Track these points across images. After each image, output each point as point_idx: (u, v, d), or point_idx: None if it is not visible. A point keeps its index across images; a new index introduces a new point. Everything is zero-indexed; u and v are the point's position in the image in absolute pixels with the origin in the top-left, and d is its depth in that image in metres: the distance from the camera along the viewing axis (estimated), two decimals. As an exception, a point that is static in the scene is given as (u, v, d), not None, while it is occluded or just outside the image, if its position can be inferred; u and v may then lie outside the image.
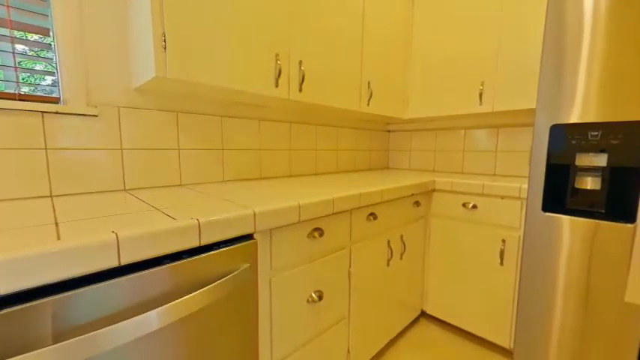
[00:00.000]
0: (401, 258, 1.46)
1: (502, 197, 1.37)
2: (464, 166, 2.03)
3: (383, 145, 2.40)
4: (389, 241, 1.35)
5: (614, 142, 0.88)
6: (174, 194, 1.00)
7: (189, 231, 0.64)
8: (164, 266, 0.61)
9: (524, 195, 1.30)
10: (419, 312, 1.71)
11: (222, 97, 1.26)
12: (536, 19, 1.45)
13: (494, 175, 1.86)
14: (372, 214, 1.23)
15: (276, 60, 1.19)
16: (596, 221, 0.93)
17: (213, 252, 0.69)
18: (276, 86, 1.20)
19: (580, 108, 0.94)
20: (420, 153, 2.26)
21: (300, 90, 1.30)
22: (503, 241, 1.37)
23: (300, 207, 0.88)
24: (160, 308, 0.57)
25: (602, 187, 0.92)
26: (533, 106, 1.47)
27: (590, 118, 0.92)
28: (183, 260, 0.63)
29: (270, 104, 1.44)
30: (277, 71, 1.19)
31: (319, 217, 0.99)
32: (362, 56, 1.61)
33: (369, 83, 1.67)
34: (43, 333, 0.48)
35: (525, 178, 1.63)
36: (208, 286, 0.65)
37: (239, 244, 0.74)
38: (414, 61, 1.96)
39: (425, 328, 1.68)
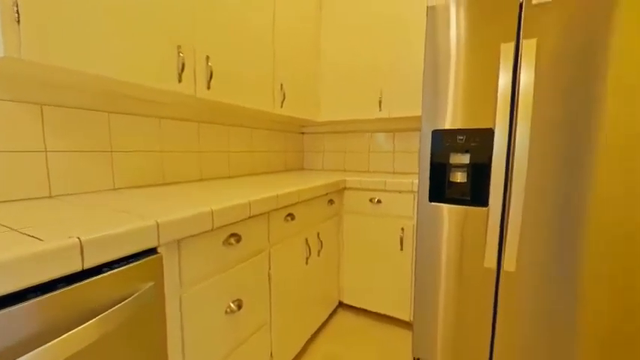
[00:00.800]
0: (318, 255, 1.52)
1: (400, 192, 1.59)
2: (369, 166, 2.27)
3: (297, 146, 2.45)
4: (307, 240, 1.40)
5: (474, 144, 1.14)
6: (40, 208, 0.79)
7: (66, 253, 0.51)
8: (28, 302, 0.47)
9: (415, 189, 1.54)
10: (337, 303, 1.82)
11: (106, 88, 1.06)
12: (421, 39, 1.73)
13: (394, 172, 2.14)
14: (290, 214, 1.24)
15: (179, 53, 1.07)
16: (465, 207, 1.18)
17: (104, 274, 0.57)
18: (180, 81, 1.09)
19: (451, 117, 1.17)
20: (332, 154, 2.41)
21: (209, 87, 1.21)
22: (402, 229, 1.60)
23: (213, 213, 0.82)
24: (29, 354, 0.44)
25: (467, 180, 1.17)
26: (420, 113, 1.75)
27: (458, 125, 1.16)
28: (59, 291, 0.51)
29: (173, 101, 1.29)
30: (180, 65, 1.08)
31: (235, 222, 0.94)
32: (274, 58, 1.61)
33: (282, 85, 1.69)
34: None
35: (417, 175, 1.93)
36: (99, 317, 0.53)
37: (139, 261, 0.64)
38: (323, 67, 2.07)
39: (342, 318, 1.80)
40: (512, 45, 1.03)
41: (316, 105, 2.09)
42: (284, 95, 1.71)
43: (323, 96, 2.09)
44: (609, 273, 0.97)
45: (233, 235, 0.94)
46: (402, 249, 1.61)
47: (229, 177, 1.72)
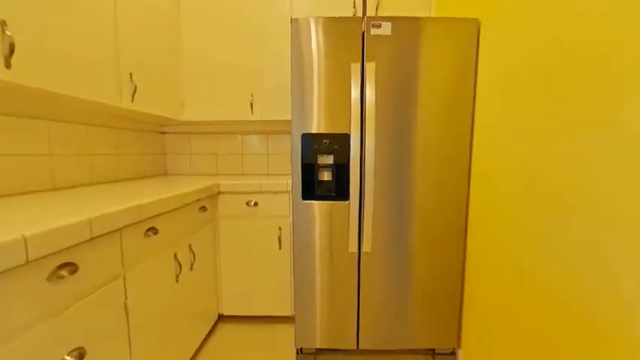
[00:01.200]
0: (191, 269, 1.37)
1: (275, 193, 1.64)
2: (244, 168, 2.22)
3: (157, 148, 2.11)
4: (176, 255, 1.23)
5: (336, 146, 1.30)
6: None
7: None
8: None
9: (290, 189, 1.62)
10: (216, 317, 1.68)
11: None
12: (288, 48, 1.82)
13: (269, 174, 2.18)
14: (151, 228, 1.05)
15: (-57, 7, 0.71)
16: (331, 202, 1.33)
17: None
18: (-52, 51, 0.73)
19: (316, 123, 1.30)
20: (201, 157, 2.21)
21: (8, 66, 0.86)
22: (280, 228, 1.65)
23: (26, 241, 0.60)
24: None
25: (332, 178, 1.33)
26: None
27: (322, 130, 1.30)
28: None
29: None
30: (-53, 26, 0.72)
31: (68, 248, 0.72)
32: (117, 42, 1.32)
33: (131, 75, 1.41)
34: None
35: (290, 176, 2.03)
36: None
37: None
38: (186, 63, 1.87)
39: (223, 332, 1.69)
40: (359, 65, 1.24)
41: (179, 102, 1.86)
42: (135, 87, 1.43)
43: (187, 94, 1.89)
44: (424, 247, 1.33)
45: (65, 265, 0.71)
46: (280, 247, 1.66)
47: (54, 189, 1.29)
